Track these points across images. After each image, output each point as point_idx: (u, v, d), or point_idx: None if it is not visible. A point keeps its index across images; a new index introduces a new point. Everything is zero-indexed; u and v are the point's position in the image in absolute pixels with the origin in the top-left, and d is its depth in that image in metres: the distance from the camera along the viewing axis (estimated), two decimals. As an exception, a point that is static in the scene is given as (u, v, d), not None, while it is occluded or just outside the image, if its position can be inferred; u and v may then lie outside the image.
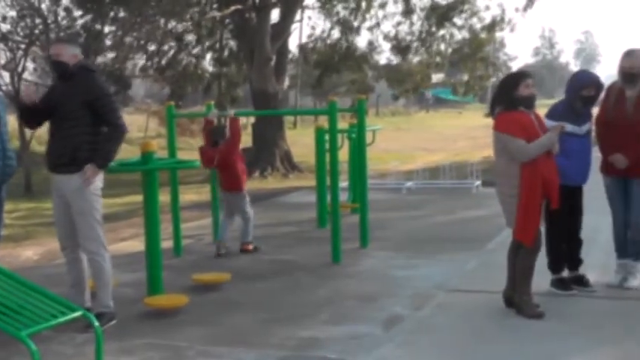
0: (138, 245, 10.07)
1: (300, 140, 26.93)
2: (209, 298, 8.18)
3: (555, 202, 6.83)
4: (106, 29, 22.08)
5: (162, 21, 22.69)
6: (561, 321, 6.79)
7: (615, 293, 7.55)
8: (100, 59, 21.68)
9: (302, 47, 30.35)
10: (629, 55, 7.41)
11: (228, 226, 10.59)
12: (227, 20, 24.42)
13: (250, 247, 10.55)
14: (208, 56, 28.00)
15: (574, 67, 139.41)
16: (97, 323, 5.34)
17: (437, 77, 34.61)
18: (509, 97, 6.84)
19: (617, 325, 6.63)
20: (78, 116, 6.91)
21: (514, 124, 6.74)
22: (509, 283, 7.13)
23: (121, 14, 21.97)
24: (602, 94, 7.61)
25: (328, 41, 27.59)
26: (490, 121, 7.20)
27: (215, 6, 23.80)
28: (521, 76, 7.05)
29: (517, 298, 6.99)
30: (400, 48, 27.11)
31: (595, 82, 7.43)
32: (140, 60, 25.90)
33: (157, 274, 7.73)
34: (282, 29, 23.38)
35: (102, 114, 6.96)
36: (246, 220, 10.57)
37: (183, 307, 7.59)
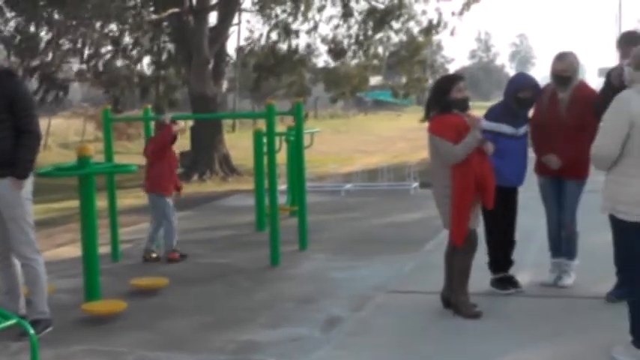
0: (75, 251, 9.95)
1: (238, 143, 26.85)
2: (147, 303, 8.13)
3: (490, 203, 6.93)
4: (41, 32, 21.77)
5: (98, 24, 22.46)
6: (499, 320, 6.89)
7: (550, 292, 7.68)
8: (34, 62, 21.38)
9: (240, 50, 30.27)
10: (560, 58, 7.54)
11: (153, 233, 10.52)
12: (165, 23, 24.26)
13: (176, 255, 10.35)
14: (146, 59, 27.79)
15: (509, 69, 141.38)
16: (32, 331, 5.23)
17: (375, 80, 34.82)
18: (443, 100, 6.92)
19: (551, 322, 6.75)
20: (3, 119, 6.78)
21: (448, 127, 6.81)
22: (447, 283, 7.21)
23: (56, 16, 21.68)
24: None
25: (266, 44, 27.57)
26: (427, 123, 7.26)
27: (152, 9, 23.65)
28: (453, 79, 7.14)
29: (454, 298, 7.06)
30: (337, 51, 27.22)
31: (532, 85, 7.54)
32: (76, 63, 25.60)
33: (94, 280, 7.65)
34: (220, 32, 23.33)
35: (19, 118, 6.83)
36: (167, 228, 10.41)
37: (121, 313, 7.53)
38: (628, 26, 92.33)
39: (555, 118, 7.48)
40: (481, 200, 6.93)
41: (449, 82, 7.08)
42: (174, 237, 10.39)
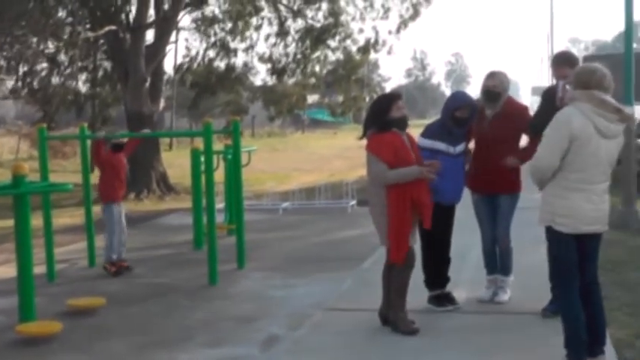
0: (9, 271, 9.80)
1: (176, 162, 26.70)
2: (84, 324, 8.04)
3: (428, 221, 7.00)
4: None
5: (33, 41, 22.19)
6: (436, 337, 6.95)
7: (486, 308, 7.77)
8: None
9: (178, 68, 30.10)
10: (492, 75, 7.72)
11: (106, 243, 10.49)
12: (101, 41, 24.06)
13: (110, 268, 10.45)
14: (82, 77, 27.48)
15: (445, 88, 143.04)
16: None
17: (312, 98, 34.93)
18: (382, 119, 6.97)
19: (488, 338, 6.83)
20: None
21: (385, 145, 6.87)
22: (385, 301, 7.25)
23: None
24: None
25: (204, 62, 27.51)
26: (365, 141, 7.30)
27: (88, 26, 23.44)
28: (392, 98, 7.20)
29: (392, 315, 7.11)
30: (276, 69, 27.29)
31: (468, 104, 7.60)
32: (10, 81, 25.23)
33: (29, 301, 7.54)
34: (157, 50, 23.19)
35: None
36: (106, 237, 10.50)
37: (57, 334, 7.44)
38: (560, 45, 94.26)
39: (482, 134, 7.63)
40: (419, 218, 6.99)
41: (388, 100, 7.13)
42: (110, 248, 10.43)
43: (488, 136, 7.59)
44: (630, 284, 8.56)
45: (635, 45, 20.12)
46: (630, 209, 12.75)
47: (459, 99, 7.78)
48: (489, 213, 7.85)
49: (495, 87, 7.61)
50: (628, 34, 13.40)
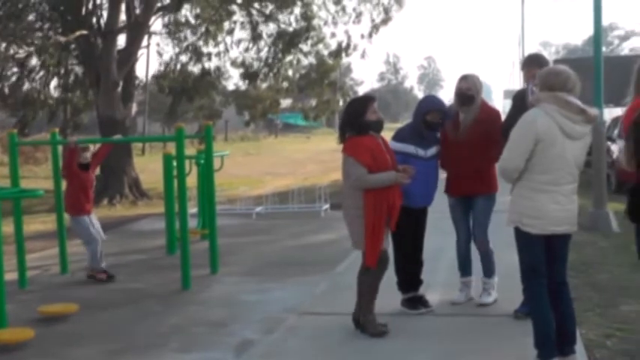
0: (-21, 278, 9.72)
1: (148, 167, 26.60)
2: (56, 331, 8.00)
3: (394, 225, 7.03)
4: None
5: (3, 45, 22.04)
6: (410, 339, 6.97)
7: (459, 310, 7.80)
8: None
9: (154, 77, 29.93)
10: (465, 78, 7.76)
11: (89, 252, 10.48)
12: (72, 45, 23.93)
13: (95, 274, 10.41)
14: (53, 82, 27.32)
15: (418, 91, 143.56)
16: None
17: (286, 102, 34.94)
18: (358, 122, 6.97)
19: (460, 341, 6.87)
20: None
21: (362, 149, 6.88)
22: (358, 304, 7.27)
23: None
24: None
25: (177, 67, 27.42)
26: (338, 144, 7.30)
27: (60, 31, 23.30)
28: (366, 101, 7.18)
29: (361, 317, 7.13)
30: (248, 74, 27.25)
31: (439, 108, 7.64)
32: (-20, 86, 25.04)
33: (0, 308, 7.50)
34: (129, 55, 23.10)
35: None
36: (88, 247, 10.47)
37: (28, 341, 7.39)
38: (531, 49, 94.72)
39: (457, 139, 7.66)
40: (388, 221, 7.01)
41: (362, 104, 7.13)
42: (95, 259, 10.42)
43: (463, 140, 7.62)
44: (601, 285, 8.63)
45: (604, 49, 20.30)
46: (601, 211, 12.86)
47: (429, 103, 7.81)
48: (465, 215, 7.89)
49: (469, 90, 7.65)
50: (597, 38, 13.56)
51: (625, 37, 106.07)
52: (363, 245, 6.98)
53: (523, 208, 5.79)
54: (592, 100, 11.98)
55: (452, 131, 7.72)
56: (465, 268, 8.07)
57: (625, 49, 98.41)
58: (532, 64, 7.45)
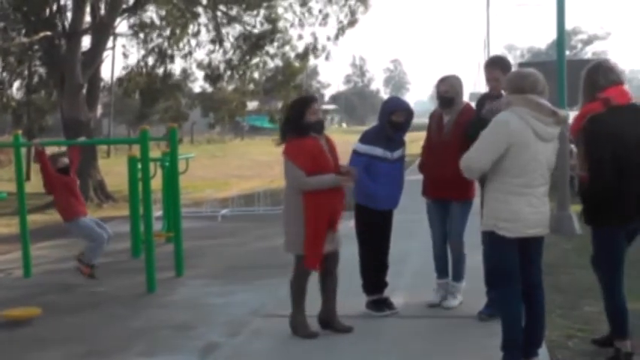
0: (-59, 282, 9.63)
1: (113, 169, 26.44)
2: (18, 335, 7.94)
3: (335, 227, 7.03)
4: None
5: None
6: (375, 341, 7.00)
7: (424, 312, 7.84)
8: None
9: (119, 80, 29.66)
10: (443, 80, 7.78)
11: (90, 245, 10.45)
12: (36, 47, 23.72)
13: (82, 266, 10.38)
14: (16, 84, 27.06)
15: (384, 94, 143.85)
16: None
17: (252, 105, 34.87)
18: (298, 124, 6.93)
19: (424, 343, 6.91)
20: None
21: (302, 151, 6.84)
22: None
23: None
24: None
25: (145, 70, 27.26)
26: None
27: (23, 32, 23.10)
28: (306, 102, 7.11)
29: (292, 318, 7.16)
30: (213, 76, 27.17)
31: (404, 108, 7.66)
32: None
33: (-39, 312, 7.43)
34: (94, 56, 22.93)
35: None
36: (91, 244, 10.44)
37: (-10, 345, 7.33)
38: (496, 52, 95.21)
39: (441, 141, 7.67)
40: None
41: (302, 104, 7.07)
42: (94, 253, 10.38)
43: (444, 142, 7.64)
44: (563, 286, 8.71)
45: (567, 52, 20.50)
46: (564, 213, 12.98)
47: (394, 103, 7.87)
48: (441, 218, 7.90)
49: (447, 92, 7.68)
50: (560, 42, 13.72)
51: (588, 41, 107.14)
52: (300, 248, 6.94)
53: (498, 212, 5.78)
54: (556, 103, 12.05)
55: (436, 133, 7.75)
56: (441, 269, 8.06)
57: (588, 52, 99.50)
58: (494, 65, 7.52)
